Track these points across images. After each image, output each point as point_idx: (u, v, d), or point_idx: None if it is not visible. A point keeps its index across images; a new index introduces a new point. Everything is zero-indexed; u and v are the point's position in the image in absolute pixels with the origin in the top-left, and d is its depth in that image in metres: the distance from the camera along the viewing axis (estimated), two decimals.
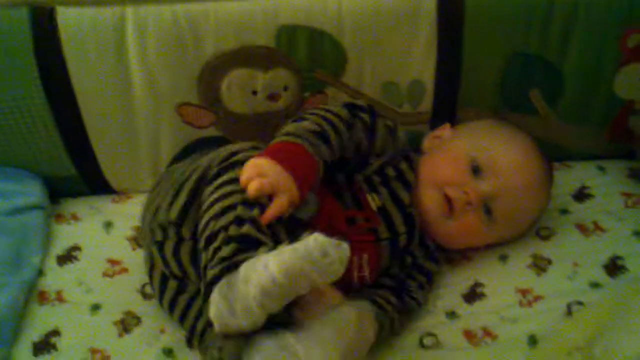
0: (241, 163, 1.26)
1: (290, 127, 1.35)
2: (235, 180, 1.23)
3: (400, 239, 1.43)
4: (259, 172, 1.22)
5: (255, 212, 1.20)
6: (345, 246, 1.10)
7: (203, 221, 1.22)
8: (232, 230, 1.17)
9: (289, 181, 1.24)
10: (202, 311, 1.30)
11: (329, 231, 1.12)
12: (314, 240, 1.09)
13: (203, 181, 1.29)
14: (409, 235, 1.44)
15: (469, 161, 1.43)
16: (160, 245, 1.34)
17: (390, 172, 1.46)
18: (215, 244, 1.17)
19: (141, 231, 1.44)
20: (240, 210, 1.19)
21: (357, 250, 1.36)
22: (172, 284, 1.36)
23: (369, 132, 1.43)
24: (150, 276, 1.40)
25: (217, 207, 1.21)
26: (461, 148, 1.46)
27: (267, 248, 1.15)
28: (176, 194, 1.32)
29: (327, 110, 1.40)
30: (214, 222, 1.20)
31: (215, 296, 1.11)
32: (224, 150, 1.32)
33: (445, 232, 1.46)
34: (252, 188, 1.20)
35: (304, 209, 1.30)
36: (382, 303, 1.37)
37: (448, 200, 1.42)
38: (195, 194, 1.29)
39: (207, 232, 1.20)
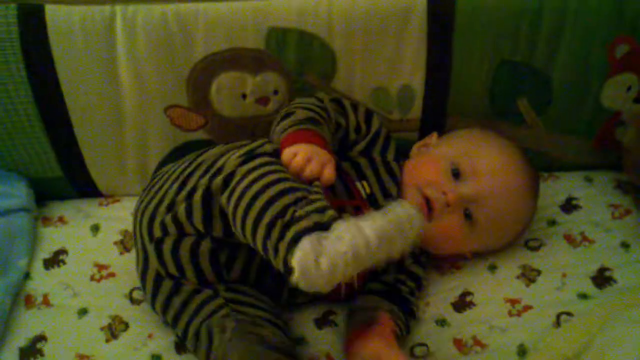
0: (268, 154, 1.29)
1: (286, 122, 1.38)
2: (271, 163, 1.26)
3: None
4: (305, 155, 1.28)
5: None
6: (421, 215, 1.15)
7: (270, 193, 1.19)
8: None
9: (328, 154, 1.31)
10: (196, 312, 1.32)
11: None
12: (401, 207, 1.12)
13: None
14: None
15: (450, 164, 1.45)
16: (159, 243, 1.33)
17: (376, 155, 1.49)
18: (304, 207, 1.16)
19: (134, 231, 1.42)
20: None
21: None
22: (167, 284, 1.35)
23: (341, 112, 1.49)
24: (143, 276, 1.39)
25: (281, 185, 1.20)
26: (443, 152, 1.49)
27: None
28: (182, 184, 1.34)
29: (302, 102, 1.44)
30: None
31: (305, 245, 1.08)
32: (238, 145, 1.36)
33: (425, 234, 1.45)
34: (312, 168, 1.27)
35: None
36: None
37: (427, 201, 1.43)
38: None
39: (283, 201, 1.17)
